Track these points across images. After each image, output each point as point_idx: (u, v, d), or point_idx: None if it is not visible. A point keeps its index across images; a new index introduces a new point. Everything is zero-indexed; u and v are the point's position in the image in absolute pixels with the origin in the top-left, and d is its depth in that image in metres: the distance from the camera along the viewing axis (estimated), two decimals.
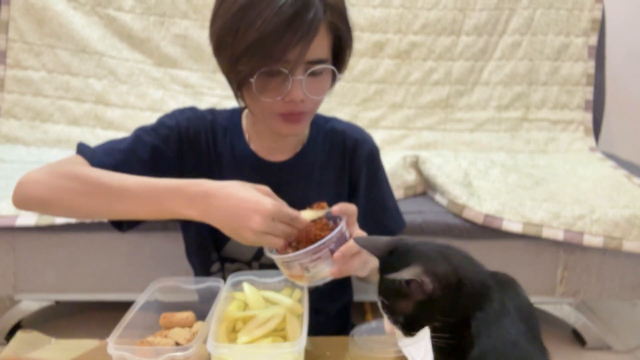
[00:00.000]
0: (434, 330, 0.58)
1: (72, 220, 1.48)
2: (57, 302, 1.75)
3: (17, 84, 2.00)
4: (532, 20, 2.19)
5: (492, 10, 2.17)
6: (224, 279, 0.83)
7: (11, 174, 1.69)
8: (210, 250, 1.00)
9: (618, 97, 2.40)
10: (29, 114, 2.01)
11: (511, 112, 2.22)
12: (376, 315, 0.66)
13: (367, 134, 1.05)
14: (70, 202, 0.79)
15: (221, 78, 1.16)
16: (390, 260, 0.64)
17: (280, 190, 0.77)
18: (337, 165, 1.01)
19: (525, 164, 2.04)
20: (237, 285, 0.82)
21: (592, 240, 1.55)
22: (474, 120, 2.21)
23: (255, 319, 0.75)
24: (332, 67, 0.86)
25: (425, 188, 1.82)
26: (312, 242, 0.72)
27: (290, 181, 0.97)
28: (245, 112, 1.01)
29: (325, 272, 0.74)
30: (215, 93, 2.11)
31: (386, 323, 0.63)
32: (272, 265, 0.88)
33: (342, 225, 0.74)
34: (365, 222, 0.82)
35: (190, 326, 0.77)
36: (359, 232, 0.79)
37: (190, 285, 0.84)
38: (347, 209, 0.77)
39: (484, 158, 2.04)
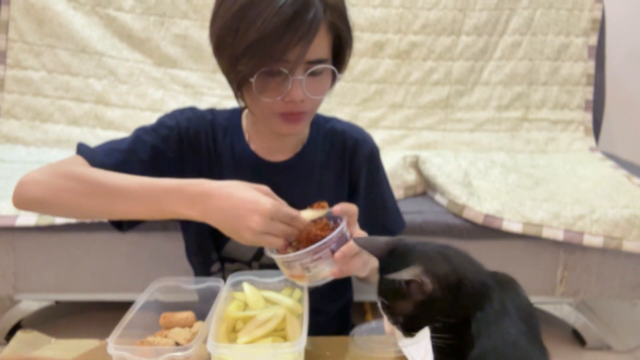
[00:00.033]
0: (434, 331, 0.58)
1: (72, 220, 1.48)
2: (57, 302, 1.75)
3: (17, 84, 2.00)
4: (532, 20, 2.19)
5: (492, 10, 2.17)
6: (224, 279, 0.83)
7: (11, 174, 1.69)
8: (210, 250, 1.00)
9: (618, 97, 2.40)
10: (29, 114, 2.01)
11: (511, 112, 2.22)
12: (376, 315, 0.66)
13: (367, 134, 1.05)
14: (70, 203, 0.79)
15: (221, 78, 1.16)
16: (390, 260, 0.64)
17: (280, 190, 0.77)
18: (337, 165, 1.01)
19: (525, 164, 2.04)
20: (237, 285, 0.82)
21: (592, 240, 1.55)
22: (474, 120, 2.21)
23: (255, 319, 0.74)
24: (332, 67, 0.86)
25: (425, 188, 1.82)
26: (313, 242, 0.72)
27: (290, 181, 0.97)
28: (245, 112, 1.01)
29: (326, 272, 0.74)
30: (215, 93, 2.11)
31: (386, 323, 0.64)
32: (272, 266, 0.88)
33: (343, 225, 0.74)
34: (365, 222, 0.82)
35: (190, 326, 0.77)
36: (360, 232, 0.79)
37: (190, 285, 0.84)
38: (348, 209, 0.77)
39: (484, 158, 2.04)
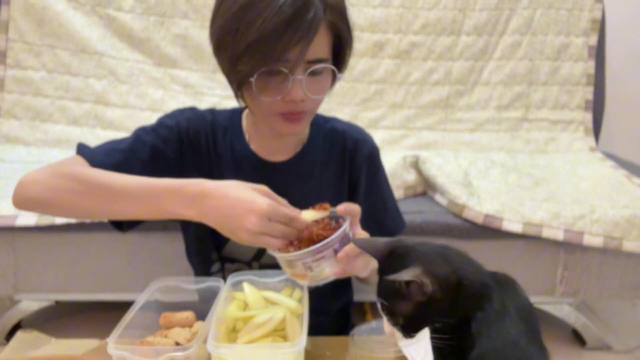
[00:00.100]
0: (434, 331, 0.58)
1: (72, 220, 1.48)
2: (57, 302, 1.75)
3: (17, 84, 2.00)
4: (532, 20, 2.19)
5: (492, 10, 2.17)
6: (224, 279, 0.83)
7: (11, 174, 1.69)
8: (210, 250, 1.00)
9: (618, 97, 2.40)
10: (29, 114, 2.01)
11: (511, 112, 2.22)
12: (376, 315, 0.66)
13: (367, 134, 1.05)
14: (69, 203, 0.79)
15: (221, 78, 1.16)
16: (389, 261, 0.64)
17: (280, 190, 0.77)
18: (337, 165, 1.01)
19: (525, 164, 2.04)
20: (237, 285, 0.82)
21: (592, 240, 1.55)
22: (474, 120, 2.21)
23: (255, 319, 0.74)
24: (332, 67, 0.86)
25: (425, 188, 1.82)
26: (315, 242, 0.72)
27: (290, 181, 0.97)
28: (246, 112, 1.01)
29: (328, 271, 0.74)
30: (215, 93, 2.11)
31: (386, 324, 0.63)
32: (272, 266, 0.88)
33: (346, 225, 0.74)
34: (365, 222, 0.82)
35: (190, 326, 0.77)
36: (362, 233, 0.79)
37: (190, 285, 0.84)
38: (351, 209, 0.77)
39: (484, 158, 2.04)
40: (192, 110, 0.99)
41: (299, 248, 0.73)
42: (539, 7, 2.19)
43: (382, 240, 0.67)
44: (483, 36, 2.18)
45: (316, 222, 0.76)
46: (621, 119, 2.47)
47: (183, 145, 0.95)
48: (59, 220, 1.48)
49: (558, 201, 1.63)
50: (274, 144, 0.98)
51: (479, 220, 1.57)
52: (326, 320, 1.08)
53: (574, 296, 1.67)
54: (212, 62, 0.97)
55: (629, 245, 1.55)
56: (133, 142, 0.91)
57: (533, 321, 0.58)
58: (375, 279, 0.66)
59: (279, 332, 0.74)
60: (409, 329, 0.59)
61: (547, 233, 1.56)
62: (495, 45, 2.20)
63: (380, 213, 1.04)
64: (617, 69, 2.38)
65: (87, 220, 1.50)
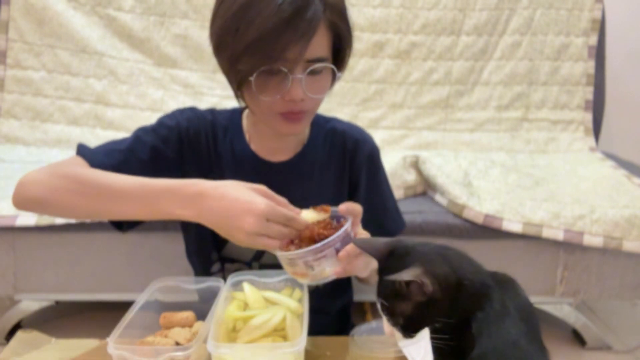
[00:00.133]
0: (434, 331, 0.58)
1: (72, 220, 1.48)
2: (57, 302, 1.75)
3: (17, 84, 2.00)
4: (532, 20, 2.19)
5: (492, 10, 2.17)
6: (224, 279, 0.82)
7: (11, 174, 1.69)
8: (211, 251, 1.00)
9: (618, 97, 2.40)
10: (29, 114, 2.01)
11: (511, 112, 2.22)
12: (376, 315, 0.66)
13: (368, 135, 1.05)
14: (67, 203, 0.79)
15: (221, 78, 1.17)
16: (389, 261, 0.64)
17: (280, 190, 0.77)
18: (338, 166, 1.01)
19: (525, 164, 2.04)
20: (237, 285, 0.82)
21: (592, 240, 1.55)
22: (474, 120, 2.21)
23: (255, 319, 0.74)
24: (332, 66, 0.86)
25: (425, 188, 1.82)
26: (316, 242, 0.72)
27: (291, 181, 0.97)
28: (246, 112, 1.01)
29: (329, 270, 0.74)
30: (215, 93, 2.11)
31: (385, 325, 0.63)
32: (272, 266, 0.88)
33: (348, 224, 0.74)
34: (365, 222, 0.82)
35: (191, 326, 0.77)
36: (363, 232, 0.79)
37: (190, 285, 0.84)
38: (353, 208, 0.77)
39: (484, 158, 2.04)
40: (192, 110, 0.99)
41: (300, 247, 0.73)
42: (539, 7, 2.19)
43: (382, 241, 0.67)
44: (483, 36, 2.18)
45: (317, 221, 0.76)
46: (621, 119, 2.47)
47: (183, 146, 0.95)
48: (59, 220, 1.48)
49: (558, 201, 1.63)
50: (274, 144, 0.98)
51: (479, 220, 1.57)
52: (326, 320, 1.08)
53: (574, 296, 1.67)
54: (212, 62, 0.97)
55: (629, 245, 1.55)
56: (133, 143, 0.91)
57: (533, 321, 0.58)
58: (375, 279, 0.66)
59: (279, 332, 0.74)
60: (409, 329, 0.59)
61: (547, 233, 1.56)
62: (495, 45, 2.20)
63: (381, 213, 1.04)
64: (617, 69, 2.38)
65: (87, 220, 1.50)
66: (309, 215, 0.76)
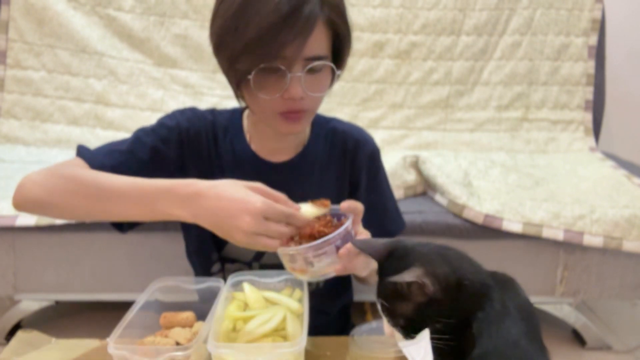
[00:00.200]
0: (434, 332, 0.58)
1: (72, 221, 1.48)
2: (57, 302, 1.75)
3: (17, 84, 2.00)
4: (532, 20, 2.19)
5: (492, 10, 2.17)
6: (224, 279, 0.82)
7: (11, 174, 1.69)
8: (211, 251, 1.00)
9: (618, 97, 2.40)
10: (29, 114, 2.01)
11: (511, 112, 2.22)
12: (376, 315, 0.66)
13: (368, 135, 1.05)
14: (66, 204, 0.79)
15: (221, 78, 1.17)
16: (389, 262, 0.64)
17: (280, 190, 0.77)
18: (338, 166, 1.01)
19: (525, 164, 2.04)
20: (237, 285, 0.82)
21: (592, 240, 1.55)
22: (474, 120, 2.21)
23: (255, 319, 0.74)
24: (331, 64, 0.85)
25: (425, 188, 1.82)
26: (316, 239, 0.72)
27: (291, 182, 0.97)
28: (247, 112, 1.01)
29: (329, 268, 0.74)
30: (215, 93, 2.11)
31: (386, 326, 0.63)
32: (273, 266, 0.88)
33: (348, 222, 0.74)
34: (366, 222, 0.82)
35: (191, 326, 0.77)
36: (363, 231, 0.79)
37: (190, 285, 0.84)
38: (355, 206, 0.77)
39: (484, 158, 2.04)
40: (193, 110, 0.99)
41: (300, 244, 0.73)
42: (539, 7, 2.19)
43: (381, 242, 0.67)
44: (483, 36, 2.18)
45: (318, 219, 0.76)
46: (621, 119, 2.47)
47: (183, 146, 0.95)
48: (59, 221, 1.48)
49: (558, 201, 1.63)
50: (275, 144, 0.98)
51: (479, 220, 1.57)
52: (326, 320, 1.08)
53: (574, 296, 1.67)
54: (212, 62, 0.97)
55: (629, 245, 1.55)
56: (133, 143, 0.91)
57: (533, 321, 0.58)
58: (374, 279, 0.66)
59: (279, 332, 0.74)
60: (410, 330, 0.59)
61: (547, 233, 1.56)
62: (495, 45, 2.20)
63: (381, 214, 1.04)
64: (617, 69, 2.37)
65: (87, 221, 1.50)
66: (308, 209, 0.76)
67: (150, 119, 0.98)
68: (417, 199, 1.77)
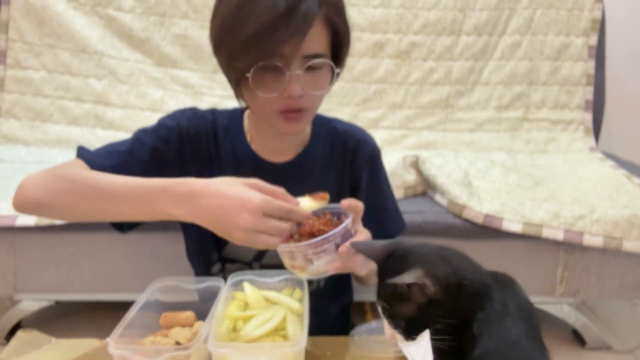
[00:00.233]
0: (435, 332, 0.57)
1: (72, 221, 1.48)
2: (57, 302, 1.75)
3: (17, 84, 2.00)
4: (532, 20, 2.19)
5: (492, 10, 2.17)
6: (225, 279, 0.82)
7: (11, 174, 1.70)
8: (211, 251, 1.00)
9: (618, 97, 2.40)
10: (29, 114, 2.01)
11: (511, 112, 2.22)
12: (376, 315, 0.66)
13: (369, 135, 1.05)
14: (65, 205, 0.79)
15: (221, 78, 1.17)
16: (388, 264, 0.64)
17: None
18: (338, 166, 1.01)
19: (525, 164, 2.04)
20: (237, 285, 0.82)
21: (592, 240, 1.55)
22: (474, 120, 2.21)
23: (255, 318, 0.74)
24: (330, 62, 0.85)
25: (425, 188, 1.82)
26: (315, 237, 0.72)
27: (292, 182, 0.96)
28: (247, 113, 1.01)
29: (328, 266, 0.74)
30: (215, 93, 2.11)
31: (386, 327, 0.63)
32: (273, 266, 0.88)
33: (348, 221, 0.74)
34: (366, 223, 0.82)
35: (191, 326, 0.77)
36: (363, 230, 0.79)
37: (190, 285, 0.84)
38: (355, 205, 0.77)
39: (484, 158, 2.04)
40: (193, 110, 0.99)
41: (300, 242, 0.73)
42: (539, 7, 2.19)
43: (380, 243, 0.67)
44: (483, 36, 2.18)
45: (318, 217, 0.76)
46: (621, 119, 2.47)
47: (184, 146, 0.95)
48: (59, 221, 1.48)
49: (558, 201, 1.63)
50: (276, 144, 0.98)
51: (479, 220, 1.57)
52: (326, 320, 1.08)
53: (574, 296, 1.67)
54: (212, 62, 0.97)
55: (629, 245, 1.55)
56: (133, 144, 0.91)
57: (533, 321, 0.58)
58: (373, 278, 0.66)
59: (279, 332, 0.74)
60: (411, 332, 0.59)
61: (547, 233, 1.56)
62: (495, 45, 2.20)
63: (381, 214, 1.04)
64: (617, 69, 2.37)
65: (87, 221, 1.50)
66: (307, 203, 0.76)
67: (150, 119, 0.98)
68: (417, 199, 1.77)
